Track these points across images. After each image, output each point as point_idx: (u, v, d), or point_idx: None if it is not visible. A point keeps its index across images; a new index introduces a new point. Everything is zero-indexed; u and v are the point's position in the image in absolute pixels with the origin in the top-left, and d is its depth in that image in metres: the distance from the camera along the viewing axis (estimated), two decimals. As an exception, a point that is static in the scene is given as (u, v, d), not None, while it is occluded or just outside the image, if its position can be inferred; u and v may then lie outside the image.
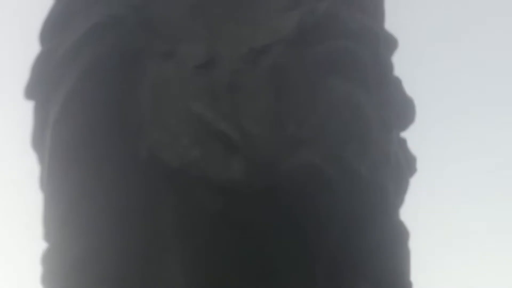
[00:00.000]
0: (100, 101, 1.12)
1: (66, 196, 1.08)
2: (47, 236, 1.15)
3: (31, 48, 1.38)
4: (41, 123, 1.22)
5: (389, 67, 1.25)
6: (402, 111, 1.24)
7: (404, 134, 1.39)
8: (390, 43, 1.29)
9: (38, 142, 1.23)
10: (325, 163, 1.09)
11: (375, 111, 1.16)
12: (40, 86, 1.22)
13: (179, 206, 1.07)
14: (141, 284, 1.02)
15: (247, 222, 1.07)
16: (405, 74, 1.39)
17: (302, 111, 1.11)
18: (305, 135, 1.10)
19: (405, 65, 1.38)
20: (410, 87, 1.38)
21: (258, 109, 1.10)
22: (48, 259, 1.13)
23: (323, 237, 1.07)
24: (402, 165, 1.20)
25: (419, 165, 1.31)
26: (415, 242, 1.22)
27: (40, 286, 1.19)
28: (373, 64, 1.19)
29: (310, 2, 1.21)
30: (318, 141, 1.09)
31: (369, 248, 1.11)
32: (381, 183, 1.14)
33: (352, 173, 1.10)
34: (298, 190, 1.06)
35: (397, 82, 1.28)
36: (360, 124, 1.11)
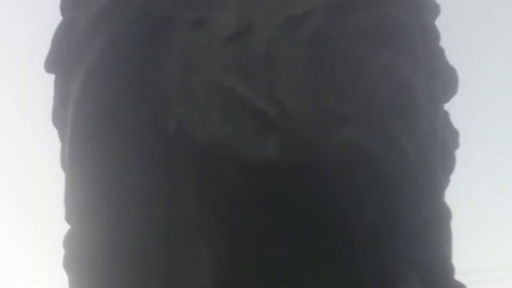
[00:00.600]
0: (124, 73, 1.01)
1: (89, 176, 0.98)
2: (69, 217, 1.04)
3: (53, 19, 1.32)
4: (62, 98, 1.10)
5: (436, 35, 1.11)
6: (447, 82, 1.11)
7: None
8: (433, 9, 1.14)
9: (59, 118, 1.11)
10: (369, 141, 0.91)
11: (422, 84, 1.02)
12: (61, 58, 1.10)
13: (208, 187, 0.91)
14: (166, 269, 0.91)
15: (282, 204, 0.90)
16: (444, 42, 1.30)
17: (344, 85, 0.95)
18: (348, 111, 0.93)
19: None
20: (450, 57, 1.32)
21: (295, 83, 0.94)
22: (70, 241, 1.03)
23: (363, 218, 0.92)
24: (449, 142, 1.07)
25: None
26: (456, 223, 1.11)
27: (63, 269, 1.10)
28: (420, 32, 1.05)
29: None
30: (362, 117, 0.93)
31: (411, 230, 0.98)
32: (428, 162, 1.00)
33: (399, 152, 0.93)
34: (339, 169, 0.88)
35: (441, 52, 1.14)
36: (407, 98, 0.97)
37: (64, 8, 1.20)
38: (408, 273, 0.99)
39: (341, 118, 0.93)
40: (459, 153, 1.12)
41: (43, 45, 1.21)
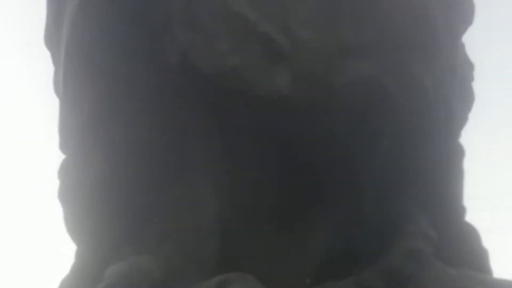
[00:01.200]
0: None
1: (87, 103, 0.91)
2: (64, 146, 0.93)
3: None
4: (56, 16, 1.00)
5: None
6: (465, 12, 1.03)
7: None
8: None
9: (52, 39, 1.02)
10: (386, 77, 0.84)
11: (441, 14, 0.94)
12: None
13: (214, 120, 0.85)
14: (167, 205, 0.86)
15: (291, 141, 0.85)
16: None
17: (359, 14, 0.87)
18: (363, 43, 0.85)
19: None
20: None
21: (309, 10, 0.86)
22: (66, 172, 0.97)
23: (375, 156, 0.89)
24: (468, 78, 1.00)
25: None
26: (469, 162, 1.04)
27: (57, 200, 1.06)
28: None
29: None
30: (378, 49, 0.85)
31: (423, 169, 0.93)
32: (447, 99, 0.94)
33: (416, 87, 0.86)
34: (353, 107, 0.83)
35: None
36: (425, 29, 0.89)
37: None
38: (417, 213, 0.96)
39: (356, 51, 0.86)
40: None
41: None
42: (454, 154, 1.02)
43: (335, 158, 0.90)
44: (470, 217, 1.05)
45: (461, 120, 1.03)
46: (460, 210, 0.99)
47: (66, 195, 1.00)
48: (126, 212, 0.86)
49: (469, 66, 1.09)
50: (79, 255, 0.86)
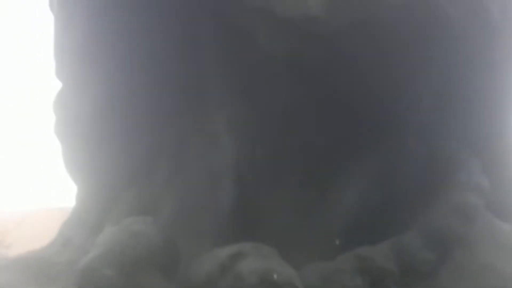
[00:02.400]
0: None
1: (84, 22, 1.11)
2: (60, 72, 1.26)
3: None
4: None
5: None
6: None
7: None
8: None
9: None
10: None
11: None
12: None
13: (231, 46, 1.08)
14: (176, 142, 1.03)
15: (320, 72, 0.95)
16: None
17: None
18: None
19: None
20: None
21: None
22: (61, 103, 1.25)
23: (421, 89, 1.01)
24: None
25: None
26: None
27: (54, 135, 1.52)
28: None
29: None
30: None
31: (472, 106, 1.16)
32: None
33: (482, 15, 1.00)
34: (401, 31, 0.90)
35: None
36: None
37: None
38: (467, 157, 1.77)
39: None
40: None
41: None
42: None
43: (376, 91, 1.58)
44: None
45: None
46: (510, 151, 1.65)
47: (64, 128, 2.10)
48: (129, 149, 1.73)
49: None
50: (80, 198, 1.76)
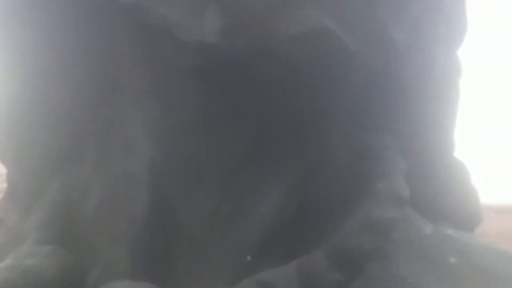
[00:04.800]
0: None
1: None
2: None
3: None
4: None
5: None
6: None
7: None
8: None
9: None
10: (342, 26, 0.56)
11: None
12: None
13: (139, 54, 0.64)
14: (98, 132, 0.66)
15: (229, 86, 0.61)
16: None
17: None
18: None
19: None
20: None
21: None
22: None
23: (336, 99, 0.62)
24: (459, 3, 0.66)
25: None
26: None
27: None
28: None
29: None
30: None
31: (397, 94, 0.65)
32: (427, 46, 0.64)
33: (385, 42, 0.60)
34: (299, 63, 0.58)
35: None
36: None
37: None
38: (392, 156, 0.67)
39: None
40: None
41: None
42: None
43: (281, 110, 0.63)
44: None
45: (449, 68, 0.71)
46: (448, 143, 0.74)
47: None
48: (52, 138, 0.67)
49: None
50: (9, 179, 0.70)
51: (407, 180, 0.65)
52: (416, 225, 0.68)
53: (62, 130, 0.67)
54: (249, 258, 0.64)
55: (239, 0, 0.56)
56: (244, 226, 0.63)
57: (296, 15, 0.56)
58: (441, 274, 0.63)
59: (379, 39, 0.60)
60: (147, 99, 0.64)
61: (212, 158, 0.63)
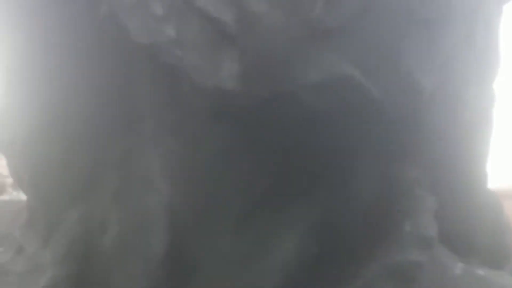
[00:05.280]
0: None
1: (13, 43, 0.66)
2: None
3: None
4: None
5: None
6: None
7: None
8: None
9: None
10: (366, 73, 0.55)
11: None
12: None
13: (158, 90, 0.61)
14: (115, 176, 0.62)
15: (249, 124, 0.58)
16: None
17: None
18: (339, 21, 0.55)
19: None
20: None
21: None
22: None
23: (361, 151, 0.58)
24: (493, 34, 0.65)
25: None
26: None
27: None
28: None
29: None
30: (358, 31, 0.55)
31: (426, 131, 0.60)
32: (458, 90, 0.62)
33: (410, 90, 0.57)
34: (321, 112, 0.56)
35: None
36: (433, 5, 0.56)
37: None
38: (419, 195, 0.63)
39: (329, 34, 0.57)
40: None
41: None
42: (477, 107, 0.66)
43: (300, 154, 0.60)
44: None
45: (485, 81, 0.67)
46: (480, 174, 0.69)
47: (4, 148, 0.74)
48: (69, 168, 0.65)
49: (497, 9, 0.67)
50: (29, 207, 0.69)
51: (437, 215, 0.62)
52: (445, 265, 0.66)
53: (80, 160, 0.66)
54: None
55: (258, 44, 0.55)
56: (262, 268, 0.62)
57: (317, 61, 0.54)
58: None
59: (404, 86, 0.57)
60: (166, 135, 0.62)
61: (230, 198, 0.61)
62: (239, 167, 0.60)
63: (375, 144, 0.60)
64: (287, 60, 0.55)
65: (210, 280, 0.62)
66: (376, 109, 0.56)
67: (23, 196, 0.73)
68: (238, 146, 0.60)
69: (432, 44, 0.57)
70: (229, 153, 0.60)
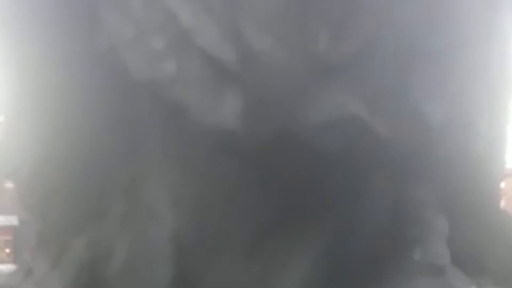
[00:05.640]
0: None
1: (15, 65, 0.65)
2: None
3: None
4: None
5: None
6: None
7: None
8: None
9: None
10: (370, 112, 0.52)
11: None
12: None
13: (162, 121, 0.60)
14: (121, 201, 0.62)
15: (253, 159, 0.56)
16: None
17: (342, 13, 0.52)
18: (343, 57, 0.52)
19: None
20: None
21: (270, 8, 0.52)
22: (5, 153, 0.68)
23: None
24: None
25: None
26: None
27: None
28: None
29: None
30: (364, 67, 0.51)
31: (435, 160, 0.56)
32: (468, 123, 0.58)
33: (418, 124, 0.54)
34: (325, 147, 0.53)
35: None
36: (439, 31, 0.53)
37: None
38: (431, 218, 0.60)
39: (334, 71, 0.54)
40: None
41: None
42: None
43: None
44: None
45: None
46: (494, 192, 0.67)
47: (11, 176, 0.72)
48: (78, 188, 0.64)
49: None
50: (38, 230, 0.68)
51: (449, 236, 0.61)
52: (458, 282, 0.63)
53: (87, 185, 0.65)
54: None
55: (261, 83, 0.53)
56: None
57: (321, 100, 0.53)
58: None
59: (412, 122, 0.55)
60: (171, 165, 0.61)
61: (237, 229, 0.60)
62: (245, 199, 0.59)
63: (382, 172, 0.59)
64: (291, 99, 0.53)
65: None
66: (383, 147, 0.55)
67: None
68: (243, 180, 0.58)
69: (441, 76, 0.55)
70: (235, 186, 0.59)
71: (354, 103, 0.53)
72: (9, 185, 0.75)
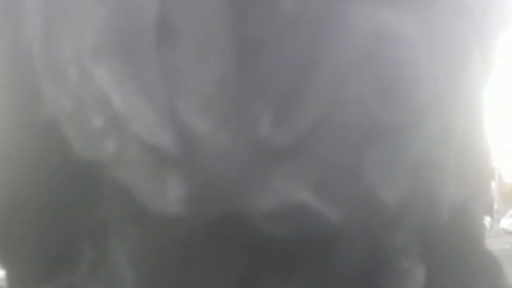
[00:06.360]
0: None
1: None
2: None
3: None
4: None
5: None
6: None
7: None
8: None
9: None
10: (320, 199, 0.48)
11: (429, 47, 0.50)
12: None
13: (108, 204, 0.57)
14: (91, 247, 0.60)
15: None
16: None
17: (286, 91, 0.48)
18: (288, 141, 0.48)
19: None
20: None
21: (205, 85, 0.48)
22: None
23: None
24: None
25: None
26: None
27: None
28: None
29: None
30: (314, 146, 0.48)
31: None
32: (431, 195, 0.54)
33: (373, 207, 0.50)
34: (274, 234, 0.51)
35: None
36: (398, 108, 0.48)
37: None
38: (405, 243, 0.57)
39: (281, 154, 0.50)
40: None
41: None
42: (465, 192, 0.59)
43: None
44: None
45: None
46: (477, 236, 0.64)
47: None
48: (46, 235, 0.61)
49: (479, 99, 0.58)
50: (9, 278, 0.65)
51: (428, 284, 0.58)
52: None
53: (55, 232, 0.63)
54: None
55: (204, 167, 0.50)
56: None
57: (268, 186, 0.50)
58: None
59: (366, 205, 0.52)
60: (128, 226, 0.58)
61: (201, 285, 0.57)
62: (207, 257, 0.56)
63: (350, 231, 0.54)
64: (236, 184, 0.50)
65: None
66: (335, 232, 0.52)
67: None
68: (202, 241, 0.55)
69: (399, 152, 0.51)
70: (194, 245, 0.56)
71: (303, 189, 0.50)
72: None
